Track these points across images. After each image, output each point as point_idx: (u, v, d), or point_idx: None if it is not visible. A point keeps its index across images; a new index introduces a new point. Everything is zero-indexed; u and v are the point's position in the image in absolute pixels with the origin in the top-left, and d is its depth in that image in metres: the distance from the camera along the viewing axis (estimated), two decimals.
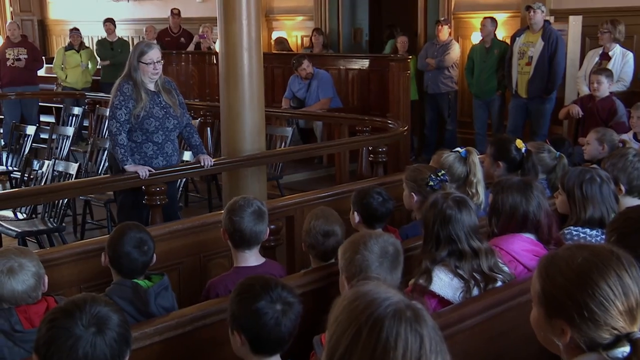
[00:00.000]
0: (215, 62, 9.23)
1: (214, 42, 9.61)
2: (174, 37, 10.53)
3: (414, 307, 1.33)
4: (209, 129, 7.58)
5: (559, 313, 1.58)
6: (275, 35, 10.39)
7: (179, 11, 10.62)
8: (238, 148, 5.22)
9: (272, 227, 3.52)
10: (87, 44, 10.89)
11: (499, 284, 2.58)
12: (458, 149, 3.60)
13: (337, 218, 3.11)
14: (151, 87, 4.52)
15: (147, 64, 4.42)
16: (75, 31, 10.44)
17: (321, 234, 3.00)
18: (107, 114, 4.74)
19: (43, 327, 1.71)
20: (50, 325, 1.70)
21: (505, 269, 2.62)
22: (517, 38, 7.30)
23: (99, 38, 11.16)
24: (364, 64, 8.45)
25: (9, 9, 14.25)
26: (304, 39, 10.18)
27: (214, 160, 4.90)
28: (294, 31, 10.36)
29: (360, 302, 1.34)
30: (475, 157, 3.54)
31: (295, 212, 4.09)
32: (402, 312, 1.32)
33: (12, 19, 13.57)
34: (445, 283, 2.55)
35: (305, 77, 7.99)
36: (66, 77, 10.28)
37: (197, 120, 7.25)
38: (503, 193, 2.79)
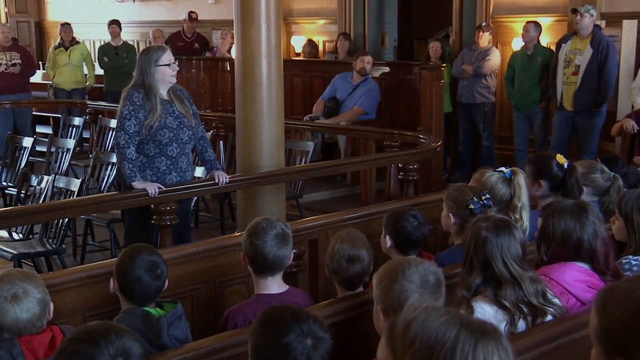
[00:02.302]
0: (229, 69, 9.32)
1: (228, 49, 9.70)
2: (188, 42, 10.61)
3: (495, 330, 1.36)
4: (221, 142, 7.64)
5: (619, 351, 1.59)
6: (295, 40, 10.47)
7: (197, 15, 10.64)
8: (255, 164, 5.27)
9: (294, 251, 3.53)
10: (88, 48, 11.03)
11: (549, 317, 2.58)
12: (502, 168, 3.61)
13: (365, 242, 3.13)
14: (164, 94, 4.59)
15: (166, 65, 4.50)
16: (65, 26, 10.58)
17: (345, 259, 3.03)
18: (115, 125, 4.80)
19: (63, 356, 1.73)
20: (74, 354, 1.71)
21: (556, 301, 2.62)
22: (563, 44, 7.30)
23: (102, 42, 11.30)
24: (393, 72, 8.48)
25: (3, 10, 14.48)
26: (326, 44, 10.25)
27: (228, 177, 4.94)
28: (315, 36, 10.43)
29: (435, 326, 1.36)
30: (522, 179, 3.54)
31: (319, 235, 4.11)
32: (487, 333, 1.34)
33: (7, 20, 13.82)
34: (489, 315, 2.55)
35: (358, 72, 8.03)
36: (54, 77, 10.42)
37: (209, 133, 7.31)
38: (554, 217, 2.79)
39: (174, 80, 4.60)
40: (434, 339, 1.40)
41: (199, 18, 10.77)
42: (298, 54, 10.39)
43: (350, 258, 3.03)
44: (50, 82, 10.77)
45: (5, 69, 10.00)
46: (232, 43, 10.21)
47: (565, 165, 3.76)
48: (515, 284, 2.57)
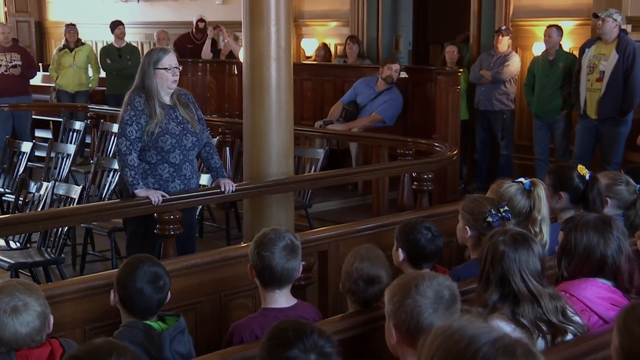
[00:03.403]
0: (236, 72, 9.36)
1: (237, 44, 9.71)
2: (197, 45, 10.64)
3: (523, 343, 1.36)
4: (228, 148, 7.67)
5: None
6: (305, 43, 10.50)
7: (205, 24, 10.66)
8: (262, 171, 5.28)
9: (303, 263, 3.54)
10: (93, 49, 11.08)
11: (570, 336, 2.57)
12: (521, 179, 3.61)
13: (384, 261, 3.13)
14: (167, 99, 4.60)
15: (165, 69, 4.51)
16: (70, 27, 10.64)
17: (364, 279, 3.01)
18: (116, 130, 4.82)
19: None
20: None
21: (577, 319, 2.61)
22: (587, 49, 7.29)
23: (105, 43, 11.36)
24: (406, 76, 8.49)
25: (2, 10, 14.59)
26: (338, 47, 10.27)
27: (235, 185, 4.94)
28: (326, 38, 10.46)
29: (459, 337, 1.37)
30: (542, 191, 3.54)
31: (329, 247, 4.11)
32: (513, 348, 1.34)
33: (7, 20, 13.92)
34: None
35: (385, 79, 8.05)
36: (57, 78, 10.48)
37: (216, 139, 7.33)
38: (577, 232, 2.79)
39: (173, 86, 4.58)
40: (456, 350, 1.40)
41: (207, 19, 10.80)
42: (308, 57, 10.42)
43: (369, 279, 3.02)
44: (53, 85, 10.82)
45: (5, 71, 10.05)
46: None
47: (587, 177, 3.76)
48: (534, 300, 2.57)
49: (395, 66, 8.11)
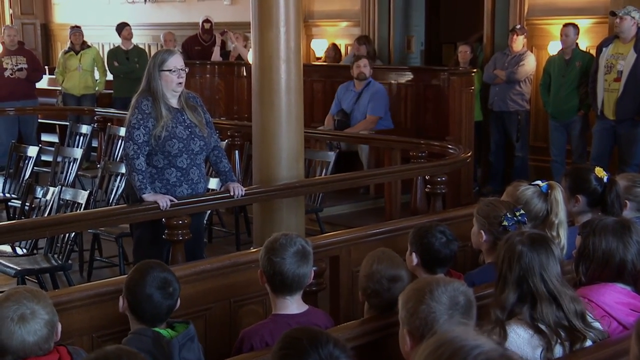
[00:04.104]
0: (245, 74, 9.37)
1: (245, 48, 9.74)
2: (205, 47, 10.66)
3: (508, 356, 1.35)
4: (237, 152, 7.68)
5: None
6: (315, 43, 10.51)
7: (212, 25, 10.71)
8: (272, 175, 5.29)
9: (314, 268, 3.54)
10: (99, 52, 11.13)
11: (589, 343, 2.56)
12: (538, 182, 3.59)
13: (402, 261, 3.16)
14: (174, 102, 4.61)
15: (170, 71, 4.52)
16: (75, 29, 10.67)
17: (387, 278, 3.03)
18: (123, 134, 4.83)
19: None
20: None
21: (597, 325, 2.60)
22: (604, 49, 7.27)
23: (111, 46, 11.40)
24: (419, 77, 8.49)
25: (8, 12, 14.67)
26: (349, 48, 10.27)
27: (244, 189, 4.95)
28: (337, 39, 10.47)
29: (444, 349, 1.36)
30: (559, 194, 3.53)
31: (341, 252, 4.11)
32: None
33: (12, 22, 14.00)
34: (524, 340, 2.54)
35: (357, 77, 8.06)
36: (63, 82, 10.52)
37: (224, 142, 7.34)
38: (595, 236, 2.78)
39: (179, 89, 4.59)
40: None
41: (215, 21, 10.83)
42: (318, 59, 10.43)
43: (392, 277, 3.04)
44: (59, 88, 10.87)
45: (11, 74, 10.10)
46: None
47: (605, 179, 3.74)
48: (553, 302, 2.56)
49: (362, 62, 8.12)
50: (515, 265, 2.60)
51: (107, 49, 11.68)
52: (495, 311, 2.60)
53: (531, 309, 2.57)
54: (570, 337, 2.55)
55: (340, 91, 8.33)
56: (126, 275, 3.07)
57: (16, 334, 2.45)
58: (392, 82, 8.65)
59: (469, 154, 6.41)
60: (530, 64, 8.31)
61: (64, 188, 5.87)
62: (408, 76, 8.58)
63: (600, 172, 3.77)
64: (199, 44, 10.69)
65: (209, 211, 5.86)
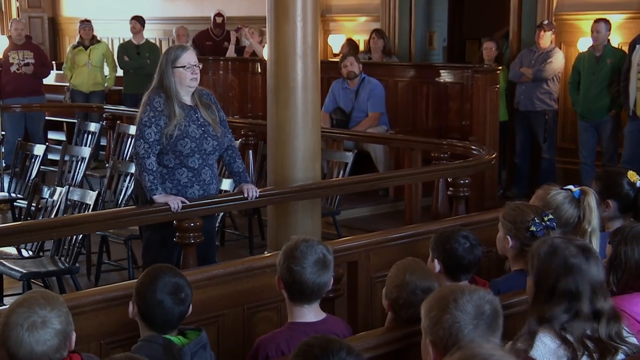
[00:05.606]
0: (259, 70, 9.39)
1: (261, 44, 9.75)
2: (217, 41, 10.69)
3: None
4: (251, 151, 7.70)
5: None
6: (332, 39, 10.50)
7: (224, 19, 10.72)
8: (288, 176, 5.29)
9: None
10: (110, 47, 11.17)
11: (621, 356, 2.54)
12: (570, 186, 3.57)
13: (430, 272, 3.15)
14: (187, 99, 4.62)
15: (184, 67, 4.53)
16: (84, 24, 10.68)
17: (422, 289, 2.99)
18: (134, 132, 4.84)
19: None
20: None
21: (633, 339, 2.59)
22: (638, 46, 7.24)
23: (122, 40, 11.44)
24: (441, 75, 8.47)
25: (15, 5, 14.77)
26: (367, 43, 10.26)
27: (258, 190, 4.95)
28: (355, 34, 10.45)
29: None
30: (592, 200, 3.49)
31: (359, 257, 4.10)
32: None
33: (19, 16, 14.08)
34: (549, 350, 2.53)
35: (348, 77, 8.07)
36: (71, 78, 10.57)
37: (238, 141, 7.36)
38: (627, 245, 2.77)
39: (194, 85, 4.60)
40: None
41: (229, 15, 10.86)
42: (336, 55, 10.40)
43: (427, 289, 3.00)
44: (67, 85, 10.91)
45: (17, 69, 10.14)
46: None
47: (638, 184, 3.71)
48: (593, 320, 2.55)
49: (348, 60, 8.14)
50: (571, 281, 2.57)
51: (116, 44, 11.71)
52: (532, 321, 2.58)
53: (569, 321, 2.55)
54: (600, 349, 2.54)
55: (336, 88, 8.32)
56: (136, 280, 3.08)
57: (24, 342, 2.44)
58: (413, 79, 8.63)
59: (494, 156, 6.39)
60: (558, 62, 8.27)
61: (71, 188, 5.89)
62: (430, 73, 8.56)
63: (633, 175, 3.74)
64: (210, 39, 10.70)
65: (221, 213, 5.87)
